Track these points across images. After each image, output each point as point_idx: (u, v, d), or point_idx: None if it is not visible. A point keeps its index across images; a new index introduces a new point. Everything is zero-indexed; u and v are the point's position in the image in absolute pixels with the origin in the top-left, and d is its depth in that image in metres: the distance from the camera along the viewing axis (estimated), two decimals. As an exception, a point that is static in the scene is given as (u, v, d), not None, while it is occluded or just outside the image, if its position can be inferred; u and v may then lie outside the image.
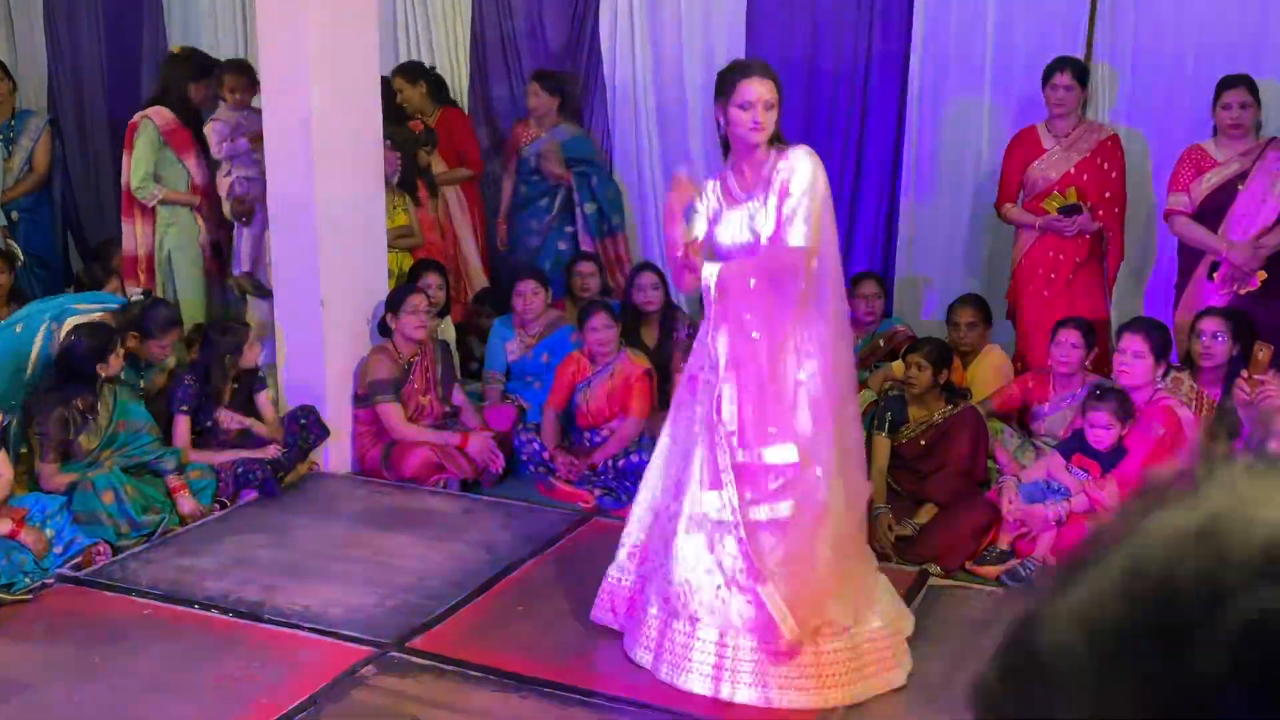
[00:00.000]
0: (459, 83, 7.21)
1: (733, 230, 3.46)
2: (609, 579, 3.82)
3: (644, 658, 3.56)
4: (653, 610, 3.54)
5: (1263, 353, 4.08)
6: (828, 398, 3.40)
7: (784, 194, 3.34)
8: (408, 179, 6.25)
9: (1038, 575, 4.24)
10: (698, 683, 3.41)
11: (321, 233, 5.16)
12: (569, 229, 6.71)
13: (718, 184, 3.55)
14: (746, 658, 3.39)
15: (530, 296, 5.83)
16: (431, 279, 5.88)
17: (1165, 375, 4.47)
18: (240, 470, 4.94)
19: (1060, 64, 5.49)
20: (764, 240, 3.39)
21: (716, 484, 3.38)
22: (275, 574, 4.31)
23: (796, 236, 3.33)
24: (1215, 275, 5.15)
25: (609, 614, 3.80)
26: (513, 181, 6.76)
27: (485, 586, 4.21)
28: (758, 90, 3.35)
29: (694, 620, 3.43)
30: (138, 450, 4.72)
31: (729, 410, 3.38)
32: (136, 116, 5.97)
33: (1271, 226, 5.06)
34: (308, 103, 4.99)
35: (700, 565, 3.43)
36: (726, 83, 3.42)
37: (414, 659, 3.72)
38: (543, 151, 6.59)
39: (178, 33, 7.70)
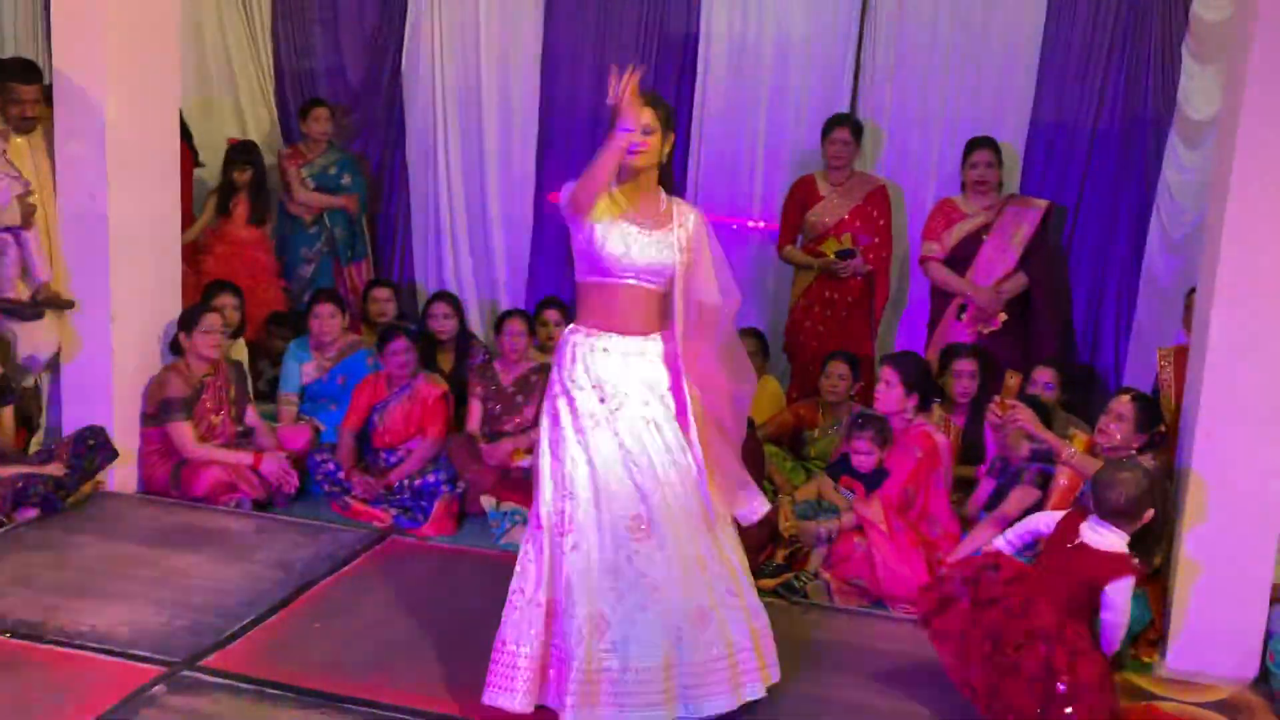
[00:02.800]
0: (264, 114, 7.02)
1: (638, 248, 3.30)
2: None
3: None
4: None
5: (1013, 380, 4.37)
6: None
7: (697, 253, 3.38)
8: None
9: (811, 587, 4.40)
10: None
11: (114, 246, 4.89)
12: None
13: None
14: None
15: (328, 319, 5.69)
16: (226, 299, 5.67)
17: (926, 407, 4.72)
18: (20, 485, 4.60)
19: (839, 120, 5.78)
20: (675, 274, 3.34)
21: None
22: (57, 594, 4.02)
23: (734, 293, 3.44)
24: (964, 315, 5.50)
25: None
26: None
27: (281, 604, 4.05)
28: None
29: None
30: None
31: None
32: None
33: (1011, 273, 5.44)
34: (103, 112, 4.73)
35: None
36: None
37: (208, 677, 3.53)
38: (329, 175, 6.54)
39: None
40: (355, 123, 6.91)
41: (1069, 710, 3.20)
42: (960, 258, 5.52)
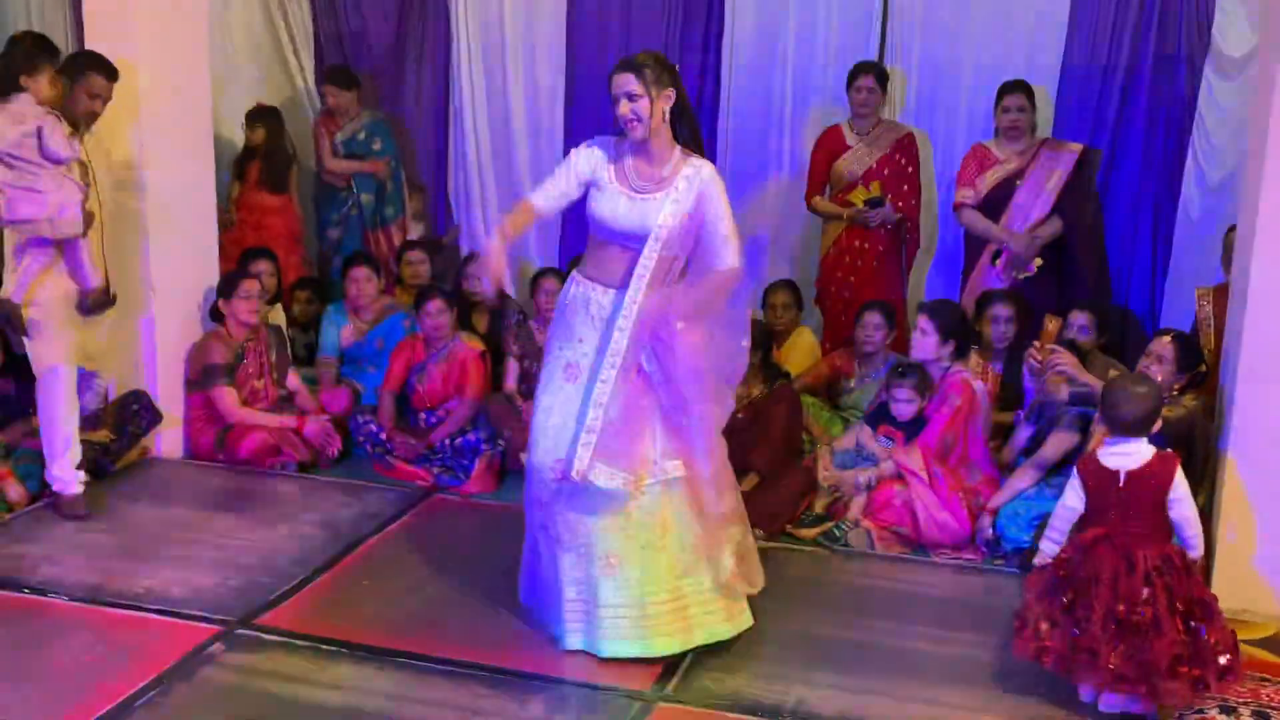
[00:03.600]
0: (308, 80, 7.00)
1: (620, 212, 3.38)
2: None
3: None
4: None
5: (1051, 324, 4.32)
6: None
7: (699, 211, 3.34)
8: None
9: (852, 535, 4.39)
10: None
11: (150, 216, 4.90)
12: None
13: (607, 160, 3.44)
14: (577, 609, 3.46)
15: (363, 282, 5.70)
16: (263, 265, 5.69)
17: (964, 353, 4.67)
18: (70, 454, 4.65)
19: (863, 68, 5.69)
20: (653, 234, 3.33)
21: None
22: (111, 558, 4.08)
23: (731, 258, 3.37)
24: (998, 261, 5.43)
25: None
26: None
27: (330, 563, 4.09)
28: (617, 84, 3.32)
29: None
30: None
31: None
32: None
33: (1046, 218, 5.36)
34: (135, 83, 4.72)
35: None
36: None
37: (263, 635, 3.58)
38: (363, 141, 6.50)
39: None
40: (386, 86, 6.86)
41: (1205, 635, 3.09)
42: (994, 203, 5.43)
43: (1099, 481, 3.25)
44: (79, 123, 4.36)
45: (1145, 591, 3.11)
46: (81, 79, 4.37)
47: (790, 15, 6.15)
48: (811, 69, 6.16)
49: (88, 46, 4.75)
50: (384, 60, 6.85)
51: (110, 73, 4.44)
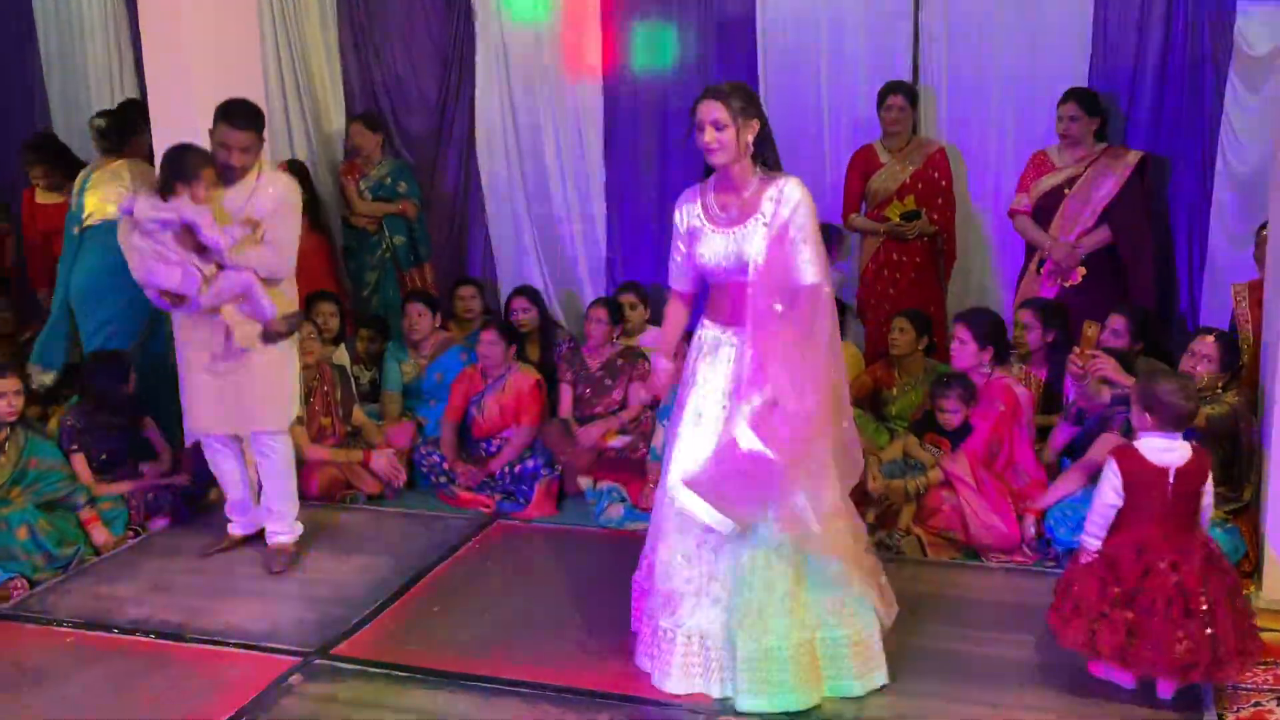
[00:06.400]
0: (333, 126, 7.12)
1: (717, 251, 3.32)
2: None
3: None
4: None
5: (1091, 330, 4.28)
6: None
7: (784, 230, 3.22)
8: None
9: (904, 543, 4.37)
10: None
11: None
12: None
13: (696, 204, 3.39)
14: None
15: (415, 318, 5.79)
16: (326, 307, 5.79)
17: (1004, 360, 4.65)
18: (151, 498, 4.77)
19: (892, 88, 5.70)
20: (752, 264, 3.25)
21: None
22: (194, 596, 4.16)
23: (810, 274, 3.24)
24: (1041, 270, 5.39)
25: None
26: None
27: (400, 592, 4.14)
28: (703, 111, 3.26)
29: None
30: (49, 488, 4.49)
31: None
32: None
33: (1091, 228, 5.30)
34: (196, 135, 4.78)
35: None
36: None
37: (340, 665, 3.63)
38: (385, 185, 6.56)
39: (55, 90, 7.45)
40: (421, 132, 6.97)
41: (1209, 631, 3.09)
42: (1044, 211, 5.39)
43: (1145, 478, 3.23)
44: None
45: (1203, 580, 3.12)
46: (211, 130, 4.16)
47: (822, 38, 6.15)
48: (844, 91, 6.16)
49: (150, 97, 4.89)
50: (418, 107, 6.94)
51: (232, 120, 4.09)
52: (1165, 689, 3.22)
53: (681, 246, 3.44)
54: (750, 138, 3.25)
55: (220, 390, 4.25)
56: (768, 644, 3.24)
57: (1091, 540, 3.29)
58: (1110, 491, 3.25)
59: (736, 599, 3.28)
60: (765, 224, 3.25)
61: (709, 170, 3.37)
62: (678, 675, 3.34)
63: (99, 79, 7.29)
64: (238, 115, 4.12)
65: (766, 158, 3.31)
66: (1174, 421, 3.24)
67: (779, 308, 3.22)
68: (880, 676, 3.37)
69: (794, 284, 3.24)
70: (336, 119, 7.07)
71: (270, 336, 4.18)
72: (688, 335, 3.60)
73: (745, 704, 3.26)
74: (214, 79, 4.77)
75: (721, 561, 3.32)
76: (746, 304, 3.26)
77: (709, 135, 3.23)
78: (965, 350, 4.60)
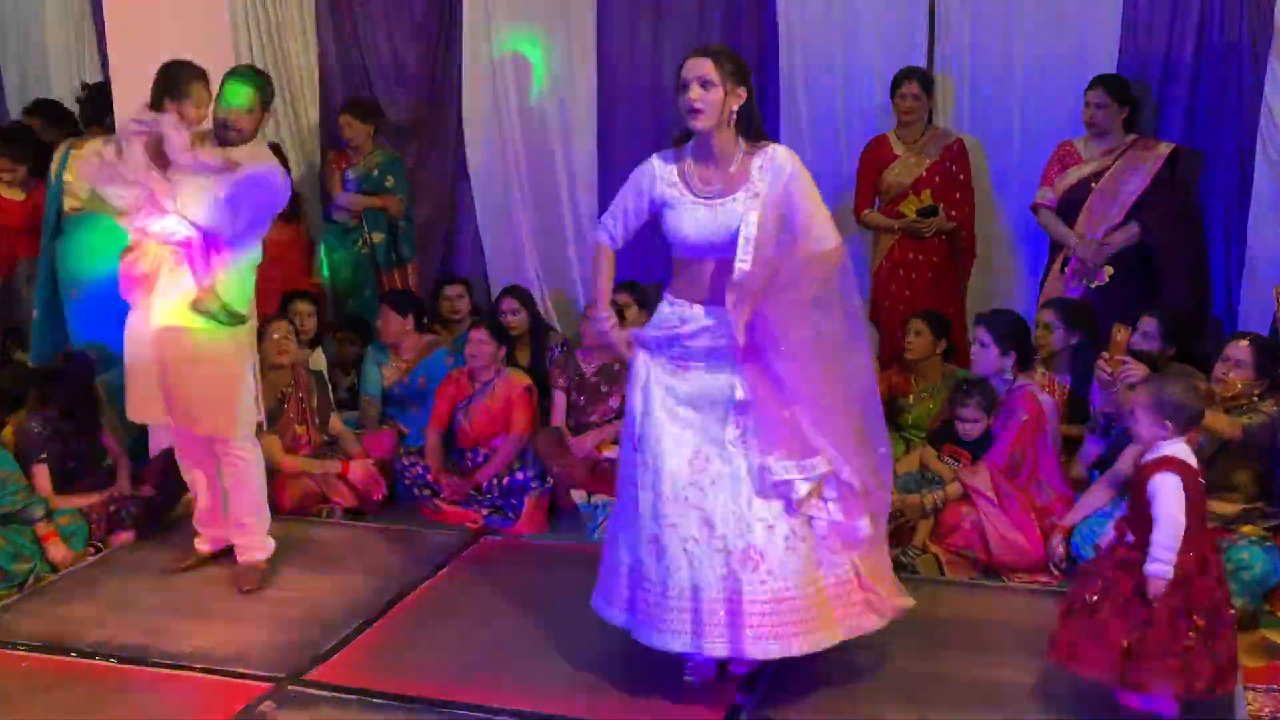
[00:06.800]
0: (309, 114, 7.07)
1: (701, 224, 3.28)
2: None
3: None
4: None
5: (1120, 334, 4.24)
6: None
7: (787, 198, 3.23)
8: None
9: (920, 561, 4.32)
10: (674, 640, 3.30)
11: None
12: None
13: (673, 170, 3.35)
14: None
15: (384, 320, 5.75)
16: (302, 307, 5.74)
17: (1028, 365, 4.60)
18: (113, 510, 4.71)
19: (908, 74, 5.66)
20: (744, 238, 3.21)
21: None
22: (158, 616, 4.10)
23: (830, 236, 3.28)
24: (1066, 269, 5.33)
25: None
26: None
27: (380, 613, 4.09)
28: (690, 67, 3.22)
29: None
30: (3, 500, 4.43)
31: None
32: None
33: (1120, 224, 5.25)
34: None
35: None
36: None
37: (314, 691, 3.57)
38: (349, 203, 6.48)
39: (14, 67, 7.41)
40: (406, 120, 6.92)
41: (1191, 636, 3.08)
42: (1072, 205, 5.33)
43: (1195, 486, 3.18)
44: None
45: (1218, 591, 3.12)
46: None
47: (835, 23, 6.12)
48: (858, 78, 6.12)
49: (113, 77, 4.90)
50: (403, 94, 6.89)
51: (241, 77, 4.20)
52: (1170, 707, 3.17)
53: (638, 203, 3.39)
54: (735, 106, 3.24)
55: (153, 373, 4.18)
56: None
57: (1167, 569, 3.12)
58: (1177, 508, 3.13)
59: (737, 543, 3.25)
60: (755, 193, 3.24)
61: (679, 141, 3.35)
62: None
63: (59, 62, 7.25)
64: (242, 72, 4.22)
65: (751, 132, 3.29)
66: (1192, 423, 3.25)
67: (815, 326, 3.24)
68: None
69: (810, 251, 3.25)
70: (313, 105, 7.02)
71: (198, 307, 4.09)
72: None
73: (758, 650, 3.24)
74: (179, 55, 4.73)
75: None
76: (731, 282, 3.22)
77: (694, 92, 3.20)
78: (986, 355, 4.56)
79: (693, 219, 3.30)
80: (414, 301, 5.97)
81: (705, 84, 3.20)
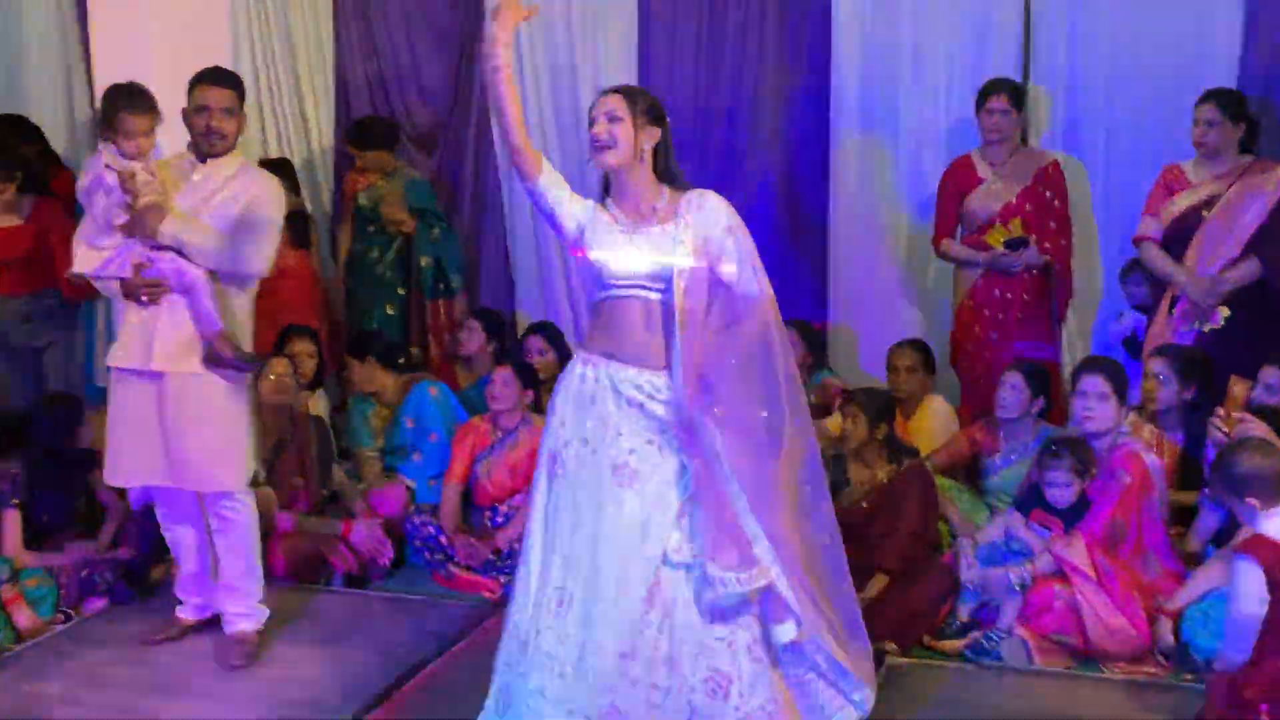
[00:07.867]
0: (324, 128, 7.24)
1: (623, 254, 3.39)
2: None
3: None
4: None
5: (1238, 387, 4.25)
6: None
7: (717, 238, 3.37)
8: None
9: (1005, 647, 4.33)
10: None
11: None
12: (401, 290, 6.81)
13: (595, 204, 3.50)
14: None
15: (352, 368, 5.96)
16: (301, 345, 5.81)
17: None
18: (85, 574, 4.80)
19: (995, 86, 5.70)
20: (677, 273, 3.33)
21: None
22: (135, 694, 4.16)
23: (758, 284, 3.40)
24: (1174, 310, 5.33)
25: None
26: (349, 234, 6.89)
27: (384, 695, 4.13)
28: (599, 105, 3.40)
29: None
30: (-37, 558, 4.56)
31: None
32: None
33: (1236, 260, 5.25)
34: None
35: None
36: None
37: (309, 784, 3.65)
38: (383, 196, 6.65)
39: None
40: (427, 138, 7.08)
41: None
42: (1182, 237, 5.32)
43: None
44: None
45: None
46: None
47: (906, 27, 6.20)
48: (935, 90, 6.19)
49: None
50: (423, 112, 7.09)
51: (213, 76, 4.24)
52: None
53: (564, 186, 3.45)
54: (649, 145, 3.41)
55: (148, 428, 4.18)
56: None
57: (1237, 656, 3.22)
58: (1250, 599, 3.18)
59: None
60: (689, 225, 3.37)
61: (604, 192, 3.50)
62: None
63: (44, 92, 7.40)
64: (215, 72, 4.26)
65: (670, 173, 3.46)
66: (1276, 488, 3.27)
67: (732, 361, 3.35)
68: None
69: (738, 297, 3.38)
70: (326, 123, 7.21)
71: (213, 359, 4.13)
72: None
73: None
74: (173, 76, 4.81)
75: None
76: (659, 330, 3.36)
77: (600, 126, 3.37)
78: (1105, 407, 4.56)
79: (615, 246, 3.40)
80: (372, 341, 6.08)
81: (612, 119, 3.37)
